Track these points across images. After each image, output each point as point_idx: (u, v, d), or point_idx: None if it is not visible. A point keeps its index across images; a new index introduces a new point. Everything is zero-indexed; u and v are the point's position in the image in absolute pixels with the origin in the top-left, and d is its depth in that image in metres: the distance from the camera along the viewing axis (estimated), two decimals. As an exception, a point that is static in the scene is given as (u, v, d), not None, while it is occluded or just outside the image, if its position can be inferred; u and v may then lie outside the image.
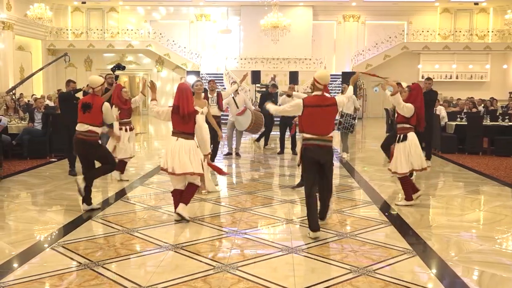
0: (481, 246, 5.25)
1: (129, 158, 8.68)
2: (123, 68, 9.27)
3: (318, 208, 5.61)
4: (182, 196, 5.98)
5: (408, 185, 6.92)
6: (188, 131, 5.87)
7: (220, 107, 9.89)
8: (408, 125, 6.83)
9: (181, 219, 5.93)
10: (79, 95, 8.90)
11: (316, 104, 5.45)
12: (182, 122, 5.84)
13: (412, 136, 6.83)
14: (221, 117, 10.11)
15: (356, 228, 5.82)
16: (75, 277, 4.27)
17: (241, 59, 26.27)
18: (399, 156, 6.82)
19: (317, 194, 5.60)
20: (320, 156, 5.44)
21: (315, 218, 5.46)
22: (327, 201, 5.75)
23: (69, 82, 9.38)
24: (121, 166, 8.53)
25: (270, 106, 6.08)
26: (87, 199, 6.51)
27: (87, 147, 6.45)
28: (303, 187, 5.96)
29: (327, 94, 5.60)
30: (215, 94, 9.92)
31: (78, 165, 8.56)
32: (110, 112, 6.61)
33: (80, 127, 6.45)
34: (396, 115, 7.26)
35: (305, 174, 5.67)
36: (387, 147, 9.45)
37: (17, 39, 23.15)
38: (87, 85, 7.23)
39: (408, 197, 6.89)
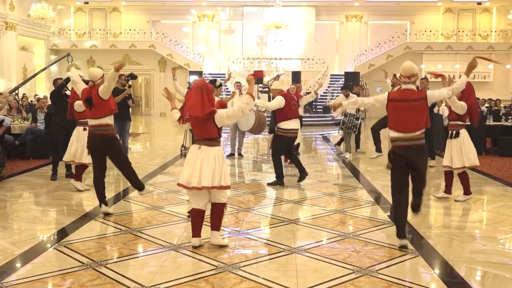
0: (484, 246, 5.23)
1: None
2: (135, 77, 9.45)
3: (409, 202, 5.21)
4: (211, 221, 5.06)
5: (466, 179, 7.18)
6: (211, 137, 4.92)
7: None
8: (460, 122, 7.09)
9: (198, 246, 5.03)
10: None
11: (402, 98, 5.07)
12: (202, 127, 4.93)
13: (464, 132, 7.13)
14: None
15: (358, 228, 5.81)
16: (77, 277, 4.28)
17: (244, 59, 26.27)
18: (452, 151, 7.06)
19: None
20: (408, 158, 5.00)
21: (403, 224, 5.06)
22: (422, 192, 5.27)
23: (56, 80, 9.15)
24: (81, 172, 7.88)
25: (364, 99, 5.60)
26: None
27: (107, 142, 6.23)
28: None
29: (414, 88, 5.13)
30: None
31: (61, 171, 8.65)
32: (107, 90, 6.12)
33: (93, 122, 6.25)
34: (448, 112, 7.41)
35: (392, 177, 5.17)
36: (377, 131, 9.54)
37: (20, 39, 23.21)
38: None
39: (467, 191, 7.19)
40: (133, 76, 9.35)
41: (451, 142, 7.07)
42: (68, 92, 8.70)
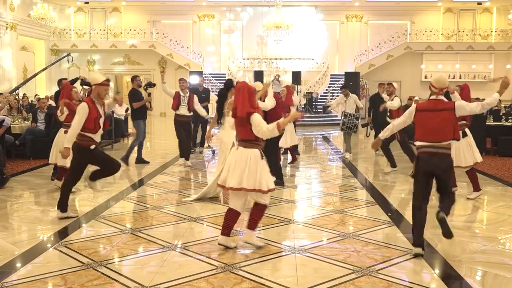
0: (484, 246, 5.23)
1: None
2: (154, 85, 10.09)
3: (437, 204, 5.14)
4: (248, 219, 5.09)
5: (475, 176, 7.42)
6: (248, 138, 4.90)
7: (189, 107, 10.14)
8: (465, 122, 7.31)
9: (226, 247, 5.01)
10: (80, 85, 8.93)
11: (428, 108, 5.06)
12: (241, 127, 4.94)
13: (468, 131, 7.45)
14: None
15: (359, 228, 5.82)
16: (78, 277, 4.28)
17: (244, 59, 26.27)
18: (462, 150, 7.23)
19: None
20: (432, 166, 4.91)
21: (421, 233, 4.99)
22: (452, 198, 5.17)
23: (60, 80, 9.09)
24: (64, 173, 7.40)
25: (397, 122, 5.43)
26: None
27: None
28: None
29: (443, 98, 5.12)
30: (187, 94, 10.17)
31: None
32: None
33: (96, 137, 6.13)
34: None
35: (415, 185, 5.08)
36: (387, 146, 9.41)
37: (20, 39, 23.21)
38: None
39: (476, 188, 7.42)
40: (151, 85, 10.03)
41: (460, 142, 7.04)
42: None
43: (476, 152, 7.37)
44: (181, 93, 10.14)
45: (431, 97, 5.16)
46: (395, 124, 5.41)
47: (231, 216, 4.99)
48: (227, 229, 4.99)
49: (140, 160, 10.60)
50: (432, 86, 5.15)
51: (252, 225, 5.04)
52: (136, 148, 10.50)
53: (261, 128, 4.79)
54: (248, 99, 4.87)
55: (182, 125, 10.30)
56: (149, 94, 10.32)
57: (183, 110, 10.19)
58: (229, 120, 6.76)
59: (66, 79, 9.24)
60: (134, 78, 10.55)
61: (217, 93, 7.54)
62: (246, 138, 4.90)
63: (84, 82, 8.76)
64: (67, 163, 6.98)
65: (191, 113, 10.38)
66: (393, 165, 9.74)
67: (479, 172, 9.64)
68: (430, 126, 4.97)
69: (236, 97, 4.96)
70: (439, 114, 4.98)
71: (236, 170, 4.84)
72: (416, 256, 4.85)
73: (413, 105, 5.26)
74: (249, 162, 4.82)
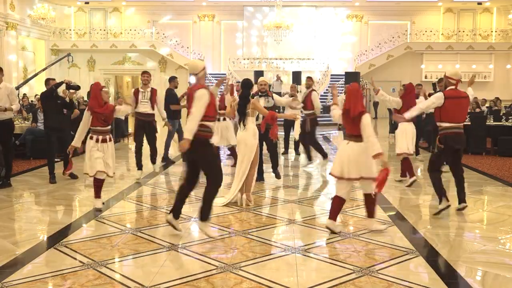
0: (484, 246, 5.23)
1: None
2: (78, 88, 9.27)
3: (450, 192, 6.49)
4: (366, 209, 5.70)
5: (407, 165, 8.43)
6: (358, 133, 5.39)
7: (152, 104, 8.96)
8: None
9: (332, 231, 5.51)
10: (70, 91, 8.87)
11: (455, 96, 6.26)
12: (352, 125, 5.45)
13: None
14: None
15: (359, 228, 5.81)
16: (77, 277, 4.28)
17: (244, 59, 26.28)
18: (407, 139, 8.45)
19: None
20: (458, 142, 6.27)
21: (442, 188, 6.35)
22: (463, 184, 6.52)
23: (48, 80, 8.93)
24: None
25: (426, 102, 6.59)
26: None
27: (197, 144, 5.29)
28: None
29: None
30: (149, 89, 8.99)
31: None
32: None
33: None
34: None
35: (437, 157, 6.51)
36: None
37: (20, 39, 23.23)
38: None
39: (411, 174, 8.32)
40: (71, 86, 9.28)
41: (406, 131, 8.40)
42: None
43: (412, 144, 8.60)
44: (141, 89, 8.95)
45: (451, 88, 6.36)
46: (423, 107, 6.53)
47: (339, 203, 5.58)
48: (334, 215, 5.57)
49: (166, 159, 10.62)
50: (451, 78, 6.40)
51: (370, 214, 5.67)
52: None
53: (369, 128, 5.37)
54: (360, 100, 5.49)
55: (143, 125, 9.00)
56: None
57: (144, 107, 8.88)
58: (252, 120, 6.89)
59: (54, 79, 9.05)
60: (173, 79, 10.64)
61: (239, 95, 7.29)
62: (357, 134, 5.41)
63: (69, 86, 8.75)
64: (104, 175, 6.59)
65: (154, 111, 9.16)
66: (309, 158, 10.20)
67: (479, 172, 9.65)
68: (456, 110, 6.24)
69: (349, 98, 5.53)
70: (462, 101, 6.32)
71: (352, 162, 5.39)
72: (447, 207, 6.21)
73: (440, 93, 6.37)
74: (363, 154, 5.37)
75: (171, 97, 10.30)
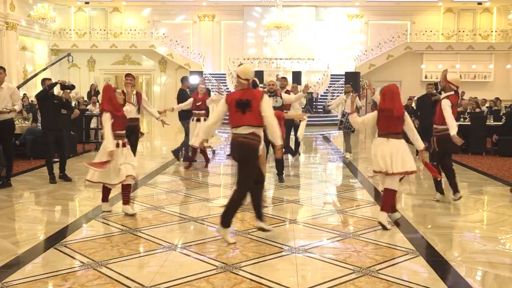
0: (484, 246, 5.23)
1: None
2: (73, 87, 9.30)
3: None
4: (382, 202, 5.93)
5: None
6: (399, 131, 5.79)
7: (139, 108, 8.53)
8: None
9: (383, 227, 5.74)
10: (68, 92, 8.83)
11: (456, 102, 6.92)
12: (392, 123, 5.77)
13: None
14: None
15: (359, 228, 5.81)
16: (78, 277, 4.28)
17: (244, 59, 26.29)
18: None
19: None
20: (453, 142, 6.71)
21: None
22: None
23: (44, 80, 8.77)
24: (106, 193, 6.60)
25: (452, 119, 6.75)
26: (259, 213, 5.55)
27: (248, 152, 5.24)
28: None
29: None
30: (134, 93, 8.34)
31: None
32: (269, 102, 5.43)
33: (244, 130, 5.21)
34: None
35: (449, 158, 7.10)
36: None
37: (20, 39, 23.23)
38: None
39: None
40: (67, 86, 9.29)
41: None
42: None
43: None
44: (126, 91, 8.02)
45: (451, 93, 6.79)
46: (452, 117, 6.70)
47: (391, 195, 5.84)
48: (388, 207, 5.84)
49: (186, 158, 10.60)
50: (452, 84, 6.82)
51: (383, 208, 5.85)
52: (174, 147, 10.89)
53: (411, 126, 5.88)
54: (399, 101, 5.85)
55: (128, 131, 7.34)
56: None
57: (133, 112, 7.93)
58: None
59: (50, 79, 8.97)
60: (185, 80, 10.74)
61: None
62: (398, 131, 5.78)
63: (64, 86, 8.73)
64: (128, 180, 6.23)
65: (139, 115, 8.79)
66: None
67: (480, 172, 9.66)
68: (454, 114, 6.73)
69: (391, 98, 5.79)
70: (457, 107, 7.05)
71: (396, 157, 5.69)
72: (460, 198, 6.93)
73: (449, 101, 6.74)
74: (404, 150, 5.76)
75: (183, 98, 10.24)
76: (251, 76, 5.36)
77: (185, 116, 10.46)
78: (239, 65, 5.74)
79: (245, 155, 5.22)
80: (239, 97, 5.22)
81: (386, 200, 5.85)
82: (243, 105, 5.16)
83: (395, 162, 5.68)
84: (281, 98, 8.59)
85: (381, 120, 5.83)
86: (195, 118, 9.87)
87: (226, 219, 5.23)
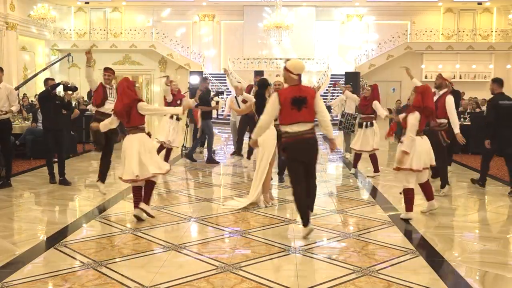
0: (484, 246, 5.23)
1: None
2: (222, 93, 10.20)
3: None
4: (425, 194, 6.38)
5: (375, 159, 9.23)
6: (422, 129, 6.14)
7: None
8: (373, 115, 9.33)
9: (407, 220, 6.09)
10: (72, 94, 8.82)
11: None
12: (423, 121, 6.09)
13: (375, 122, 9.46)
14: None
15: (359, 228, 5.82)
16: (78, 277, 4.28)
17: (244, 59, 26.28)
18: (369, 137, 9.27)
19: None
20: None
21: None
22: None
23: (47, 80, 8.71)
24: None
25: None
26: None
27: (317, 146, 5.45)
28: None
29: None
30: (114, 88, 7.75)
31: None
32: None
33: (301, 127, 5.26)
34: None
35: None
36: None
37: (20, 39, 23.23)
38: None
39: (376, 169, 9.22)
40: (218, 93, 10.64)
41: (368, 130, 9.21)
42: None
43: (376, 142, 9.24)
44: (107, 86, 7.81)
45: (445, 90, 7.27)
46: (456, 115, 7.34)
47: (412, 193, 6.12)
48: (410, 205, 6.14)
49: (211, 160, 10.66)
50: (448, 81, 7.37)
51: (430, 197, 6.36)
52: (193, 146, 11.19)
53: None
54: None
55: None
56: (217, 102, 10.82)
57: (110, 106, 7.31)
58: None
59: (53, 79, 8.94)
60: (204, 80, 10.83)
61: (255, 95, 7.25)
62: (422, 129, 6.13)
63: (67, 88, 8.72)
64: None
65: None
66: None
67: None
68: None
69: (428, 97, 6.07)
70: None
71: (422, 153, 6.02)
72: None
73: (452, 97, 7.24)
74: (429, 145, 6.17)
75: (202, 99, 10.15)
76: (303, 71, 5.41)
77: (205, 117, 10.65)
78: (287, 60, 5.60)
79: (316, 150, 5.43)
80: (294, 94, 5.21)
81: (428, 192, 6.34)
82: (299, 102, 5.18)
83: (427, 158, 6.12)
84: None
85: (422, 119, 6.07)
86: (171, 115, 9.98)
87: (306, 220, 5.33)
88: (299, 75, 5.32)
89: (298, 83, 5.31)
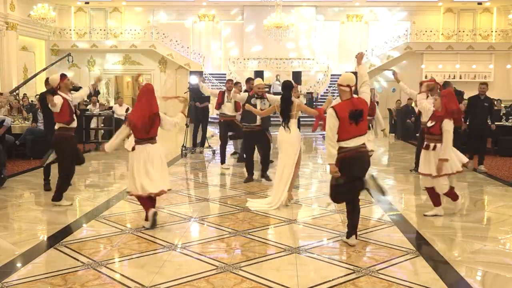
0: (484, 246, 5.23)
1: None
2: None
3: None
4: (450, 196, 6.47)
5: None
6: (438, 133, 6.21)
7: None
8: (371, 117, 8.68)
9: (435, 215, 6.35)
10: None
11: None
12: (436, 125, 6.22)
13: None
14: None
15: (359, 228, 5.79)
16: (78, 277, 4.28)
17: (244, 59, 26.27)
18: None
19: None
20: None
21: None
22: None
23: (47, 80, 8.34)
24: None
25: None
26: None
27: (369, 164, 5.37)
28: None
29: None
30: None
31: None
32: None
33: (357, 141, 5.06)
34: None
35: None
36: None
37: (20, 39, 23.21)
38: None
39: None
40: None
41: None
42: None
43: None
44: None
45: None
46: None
47: (435, 192, 6.37)
48: (438, 204, 6.41)
49: (242, 158, 10.44)
50: (439, 85, 7.80)
51: (455, 198, 6.47)
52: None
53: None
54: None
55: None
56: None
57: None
58: (295, 122, 6.91)
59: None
60: (248, 81, 10.70)
61: (281, 97, 7.06)
62: (438, 133, 6.18)
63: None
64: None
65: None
66: None
67: (479, 172, 9.64)
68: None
69: (454, 100, 6.24)
70: None
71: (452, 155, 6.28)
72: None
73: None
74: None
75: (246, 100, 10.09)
76: (353, 83, 5.10)
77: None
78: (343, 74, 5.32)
79: (369, 165, 5.35)
80: (351, 107, 4.95)
81: (433, 198, 6.47)
82: (357, 115, 4.96)
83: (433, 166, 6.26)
84: (268, 100, 8.27)
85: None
86: None
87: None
88: (350, 87, 5.06)
89: (350, 97, 5.05)
